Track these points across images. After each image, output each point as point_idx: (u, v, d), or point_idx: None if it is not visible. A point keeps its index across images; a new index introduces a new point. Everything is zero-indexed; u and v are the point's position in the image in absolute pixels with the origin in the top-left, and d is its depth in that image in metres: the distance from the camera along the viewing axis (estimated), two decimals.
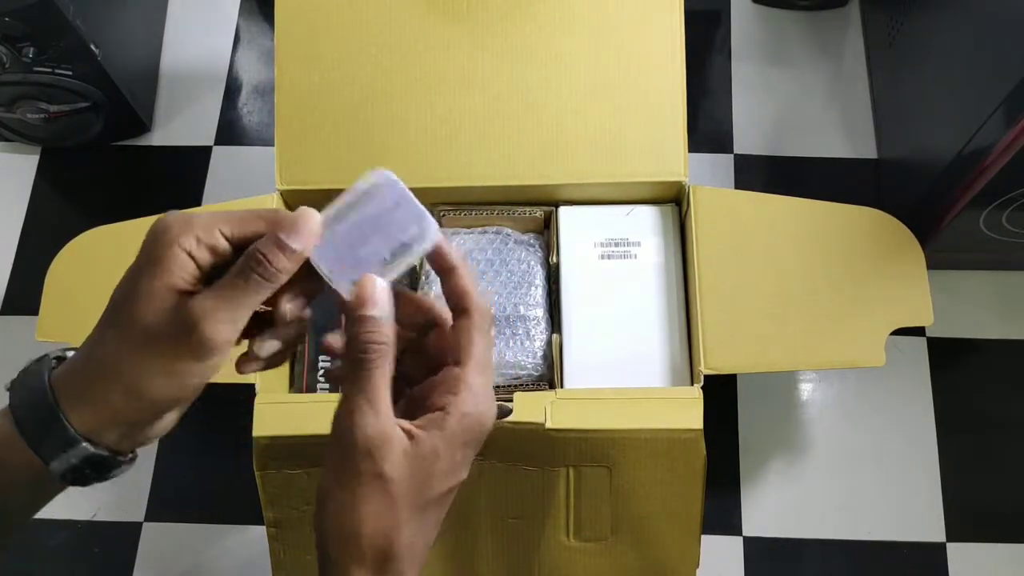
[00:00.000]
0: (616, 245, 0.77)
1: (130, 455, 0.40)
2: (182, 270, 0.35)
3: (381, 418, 0.36)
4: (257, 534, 0.85)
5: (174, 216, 0.36)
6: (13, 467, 0.37)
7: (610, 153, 0.75)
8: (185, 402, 0.38)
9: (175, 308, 0.35)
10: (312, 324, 0.73)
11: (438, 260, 0.40)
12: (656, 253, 0.77)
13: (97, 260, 0.73)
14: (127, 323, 0.36)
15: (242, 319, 0.36)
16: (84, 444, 0.37)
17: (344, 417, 0.37)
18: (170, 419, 0.40)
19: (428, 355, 0.41)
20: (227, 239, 0.37)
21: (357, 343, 0.37)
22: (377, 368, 0.36)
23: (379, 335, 0.37)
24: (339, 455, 0.37)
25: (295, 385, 0.76)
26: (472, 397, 0.38)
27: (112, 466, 0.39)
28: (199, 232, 0.36)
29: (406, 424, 0.37)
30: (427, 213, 0.40)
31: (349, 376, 0.37)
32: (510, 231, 0.80)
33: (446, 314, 0.40)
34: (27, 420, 0.37)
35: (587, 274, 0.76)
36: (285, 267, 0.36)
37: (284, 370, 0.77)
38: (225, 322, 0.35)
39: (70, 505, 0.87)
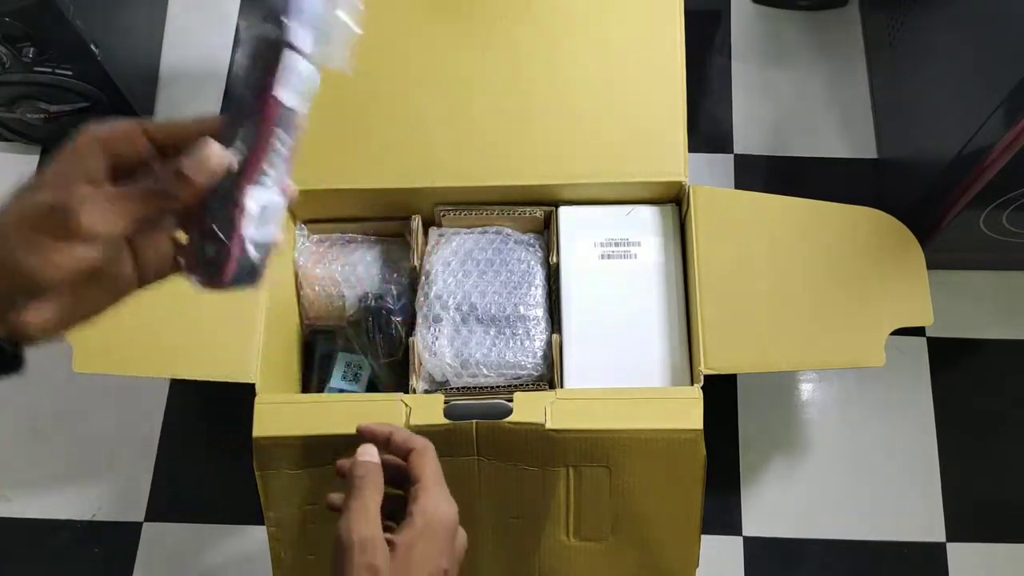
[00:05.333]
0: (616, 245, 0.77)
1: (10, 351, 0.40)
2: (93, 159, 0.38)
3: (371, 525, 0.47)
4: (257, 534, 0.85)
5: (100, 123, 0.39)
6: None
7: (610, 153, 0.75)
8: (44, 290, 0.38)
9: (67, 190, 0.37)
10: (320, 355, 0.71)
11: (374, 440, 0.53)
12: (656, 253, 0.77)
13: None
14: (24, 195, 0.38)
15: (121, 223, 0.37)
16: None
17: (344, 523, 0.47)
18: (38, 315, 0.39)
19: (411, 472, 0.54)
20: (151, 140, 0.39)
21: (353, 474, 0.50)
22: (366, 488, 0.49)
23: (367, 468, 0.50)
24: (340, 551, 0.47)
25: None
26: (431, 502, 0.50)
27: None
28: (119, 130, 0.39)
29: (388, 536, 0.48)
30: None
31: (348, 494, 0.49)
32: (510, 231, 0.80)
33: (412, 443, 0.53)
34: None
35: (587, 274, 0.76)
36: (183, 195, 0.38)
37: (292, 372, 0.78)
38: (104, 221, 0.37)
39: (70, 505, 0.87)
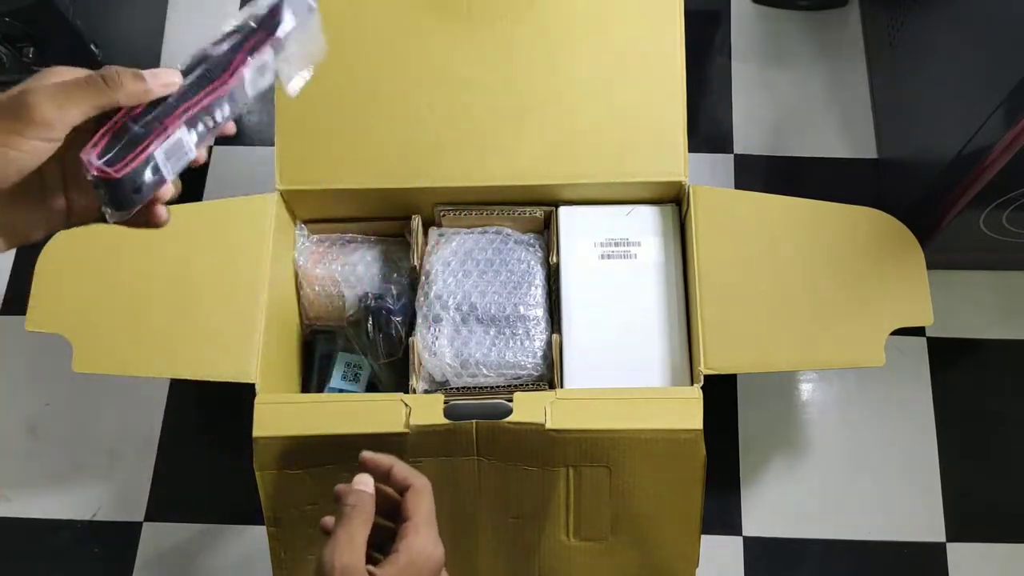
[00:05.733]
0: (616, 245, 0.77)
1: None
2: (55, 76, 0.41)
3: (354, 555, 0.48)
4: (257, 534, 0.85)
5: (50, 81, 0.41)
6: None
7: (610, 153, 0.75)
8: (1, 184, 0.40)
9: (21, 91, 0.40)
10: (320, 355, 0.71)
11: (375, 470, 0.53)
12: (656, 253, 0.77)
13: (87, 250, 0.73)
14: None
15: (73, 111, 0.39)
16: None
17: (328, 548, 0.49)
18: None
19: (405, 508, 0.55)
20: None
21: (344, 502, 0.51)
22: (356, 518, 0.50)
23: (359, 498, 0.51)
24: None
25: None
26: (418, 542, 0.50)
27: None
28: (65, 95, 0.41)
29: (371, 568, 0.49)
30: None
31: (337, 520, 0.50)
32: (510, 231, 0.80)
33: (411, 480, 0.54)
34: None
35: (587, 274, 0.76)
36: (129, 88, 0.40)
37: (292, 372, 0.78)
38: (57, 107, 0.39)
39: (70, 505, 0.87)
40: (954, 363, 0.90)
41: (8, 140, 0.38)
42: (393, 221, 0.81)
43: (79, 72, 0.41)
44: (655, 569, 0.69)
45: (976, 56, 0.73)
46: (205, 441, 0.90)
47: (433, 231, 0.80)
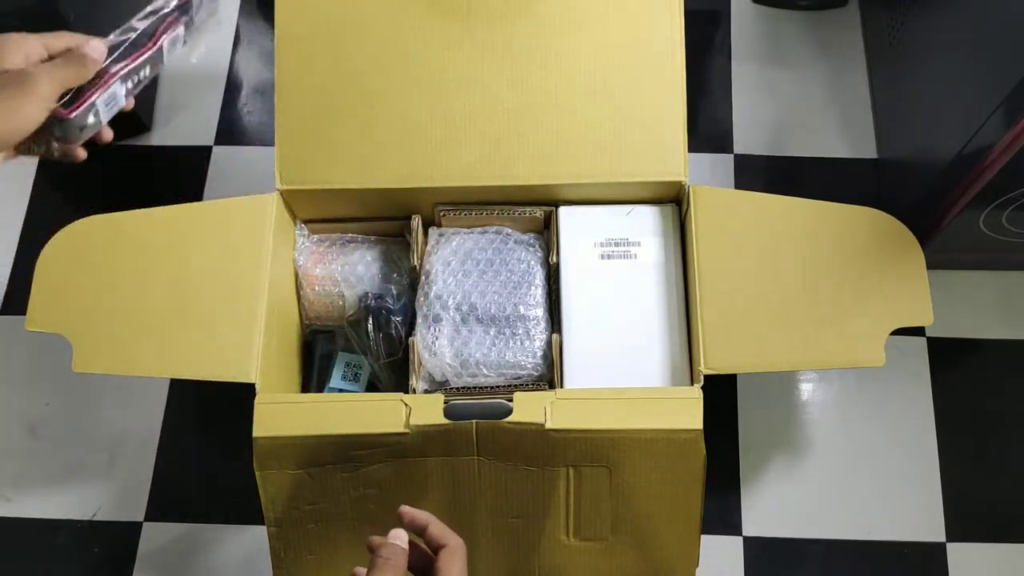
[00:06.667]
0: (616, 245, 0.77)
1: None
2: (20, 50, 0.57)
3: None
4: (257, 534, 0.85)
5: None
6: None
7: (610, 153, 0.75)
8: (6, 141, 0.53)
9: (20, 70, 0.54)
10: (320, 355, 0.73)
11: (411, 524, 0.55)
12: (656, 253, 0.77)
13: (87, 250, 0.73)
14: None
15: (62, 86, 0.55)
16: None
17: None
18: None
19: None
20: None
21: (378, 554, 0.53)
22: (388, 572, 0.52)
23: (393, 552, 0.53)
24: None
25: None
26: None
27: None
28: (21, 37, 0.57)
29: None
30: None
31: (369, 572, 0.52)
32: (510, 231, 0.80)
33: (446, 540, 0.56)
34: None
35: (587, 274, 0.76)
36: (91, 68, 0.57)
37: (292, 372, 0.78)
38: (55, 84, 0.55)
39: (70, 505, 0.87)
40: (954, 363, 0.90)
41: (15, 110, 0.51)
42: (393, 221, 0.81)
43: (37, 43, 0.56)
44: (655, 569, 0.69)
45: (976, 56, 0.73)
46: (205, 441, 0.90)
47: (433, 231, 0.80)
